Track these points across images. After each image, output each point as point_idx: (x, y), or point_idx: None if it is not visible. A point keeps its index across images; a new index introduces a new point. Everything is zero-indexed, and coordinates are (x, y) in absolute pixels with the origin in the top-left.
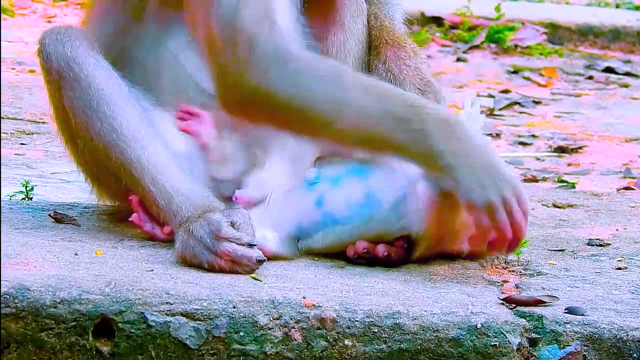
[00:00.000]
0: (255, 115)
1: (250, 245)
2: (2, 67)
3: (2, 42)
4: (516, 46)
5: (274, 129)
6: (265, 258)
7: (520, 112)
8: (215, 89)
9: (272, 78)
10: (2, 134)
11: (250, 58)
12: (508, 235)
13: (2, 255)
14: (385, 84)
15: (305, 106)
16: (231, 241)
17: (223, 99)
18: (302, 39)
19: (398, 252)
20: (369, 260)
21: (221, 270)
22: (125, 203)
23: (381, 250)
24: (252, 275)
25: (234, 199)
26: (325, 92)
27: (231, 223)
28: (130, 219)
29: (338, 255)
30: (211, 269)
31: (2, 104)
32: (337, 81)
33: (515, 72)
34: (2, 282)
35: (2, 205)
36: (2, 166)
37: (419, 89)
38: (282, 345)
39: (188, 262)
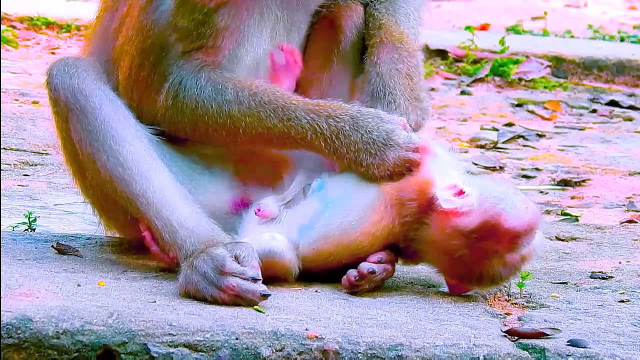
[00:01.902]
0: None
1: (255, 280)
2: (5, 99)
3: (6, 74)
4: (520, 79)
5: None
6: (270, 293)
7: (524, 146)
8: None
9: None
10: (5, 165)
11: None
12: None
13: (4, 286)
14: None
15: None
16: (235, 276)
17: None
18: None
19: (392, 271)
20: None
21: (225, 304)
22: (132, 235)
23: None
24: (255, 306)
25: (255, 211)
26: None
27: (235, 257)
28: (142, 233)
29: (341, 285)
30: (214, 303)
31: (5, 136)
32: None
33: (519, 105)
34: (4, 312)
35: (5, 236)
36: (5, 197)
37: (408, 100)
38: None
39: (192, 296)
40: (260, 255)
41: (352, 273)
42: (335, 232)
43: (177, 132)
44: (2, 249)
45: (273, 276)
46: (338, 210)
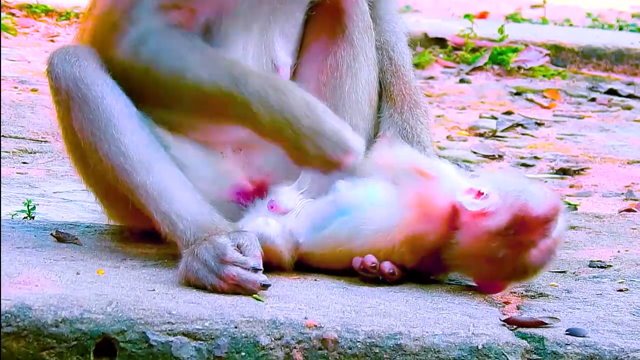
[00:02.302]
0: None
1: (256, 270)
2: (4, 86)
3: (5, 61)
4: (519, 68)
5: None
6: (270, 283)
7: (523, 134)
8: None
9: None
10: (4, 153)
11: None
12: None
13: (3, 274)
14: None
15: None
16: (236, 265)
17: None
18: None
19: (400, 271)
20: (370, 278)
21: (224, 293)
22: (134, 224)
23: (387, 267)
24: (254, 295)
25: (268, 206)
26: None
27: (237, 246)
28: None
29: (340, 274)
30: (214, 292)
31: (4, 123)
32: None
33: (518, 93)
34: (3, 301)
35: (4, 224)
36: (4, 185)
37: (426, 149)
38: None
39: (191, 284)
40: None
41: (369, 258)
42: (343, 239)
43: (129, 85)
44: (1, 237)
45: (266, 261)
46: (352, 218)
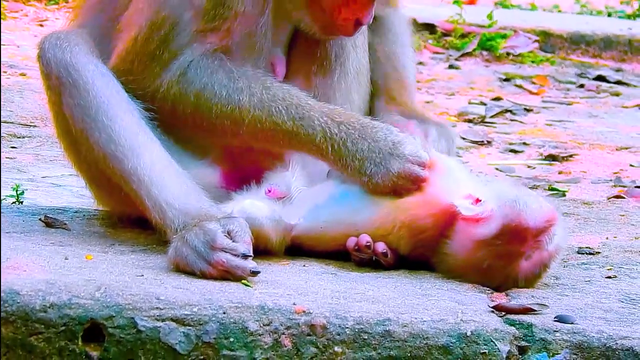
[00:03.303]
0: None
1: (245, 257)
2: None
3: None
4: (508, 54)
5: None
6: (260, 270)
7: (512, 120)
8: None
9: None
10: None
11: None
12: (411, 190)
13: None
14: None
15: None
16: (226, 251)
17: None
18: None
19: (389, 262)
20: (364, 260)
21: (213, 279)
22: (125, 210)
23: (381, 247)
24: (243, 281)
25: (266, 191)
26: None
27: (227, 232)
28: None
29: (330, 260)
30: (203, 277)
31: None
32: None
33: (507, 79)
34: None
35: None
36: None
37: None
38: (272, 352)
39: (181, 269)
40: None
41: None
42: (345, 218)
43: (174, 114)
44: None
45: (253, 245)
46: (354, 200)
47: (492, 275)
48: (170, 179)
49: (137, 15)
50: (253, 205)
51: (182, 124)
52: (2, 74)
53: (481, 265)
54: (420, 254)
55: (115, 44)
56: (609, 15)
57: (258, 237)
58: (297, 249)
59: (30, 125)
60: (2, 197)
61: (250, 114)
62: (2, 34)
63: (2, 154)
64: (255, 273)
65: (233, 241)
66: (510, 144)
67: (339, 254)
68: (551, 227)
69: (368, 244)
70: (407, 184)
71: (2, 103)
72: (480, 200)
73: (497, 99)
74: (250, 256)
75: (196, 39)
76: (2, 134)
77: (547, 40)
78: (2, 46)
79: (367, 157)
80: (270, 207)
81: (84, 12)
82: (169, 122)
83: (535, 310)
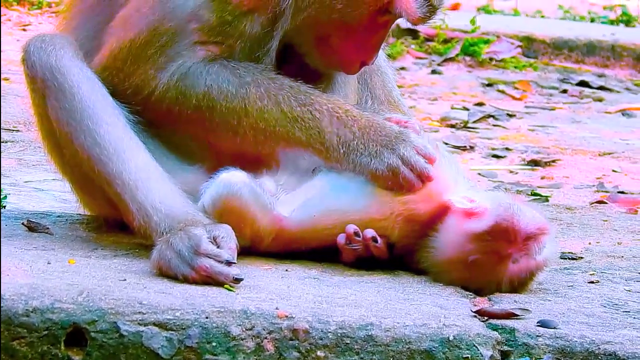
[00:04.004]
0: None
1: (229, 263)
2: None
3: None
4: (491, 59)
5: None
6: (243, 277)
7: (494, 125)
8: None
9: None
10: None
11: None
12: (417, 186)
13: None
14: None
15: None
16: (210, 257)
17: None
18: None
19: (381, 251)
20: (357, 252)
21: (195, 284)
22: (109, 214)
23: (370, 233)
24: (226, 285)
25: None
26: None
27: (213, 238)
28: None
29: (312, 264)
30: (185, 282)
31: None
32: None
33: (489, 85)
34: None
35: None
36: None
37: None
38: (255, 356)
39: (163, 273)
40: (216, 197)
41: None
42: (338, 208)
43: (169, 115)
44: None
45: (234, 224)
46: (348, 191)
47: (476, 273)
48: (156, 183)
49: (137, 17)
50: (232, 175)
51: (175, 125)
52: None
53: (467, 260)
54: (407, 244)
55: (107, 39)
56: (592, 20)
57: (237, 212)
58: (279, 253)
59: (13, 130)
60: None
61: (258, 105)
62: None
63: None
64: (238, 280)
65: (218, 247)
66: (493, 149)
67: (322, 256)
68: (542, 235)
69: (356, 231)
70: (411, 176)
71: None
72: (475, 201)
73: (480, 104)
74: (234, 263)
75: (197, 46)
76: None
77: (530, 46)
78: None
79: (374, 141)
80: (259, 185)
81: (72, 17)
82: (159, 124)
83: (518, 315)
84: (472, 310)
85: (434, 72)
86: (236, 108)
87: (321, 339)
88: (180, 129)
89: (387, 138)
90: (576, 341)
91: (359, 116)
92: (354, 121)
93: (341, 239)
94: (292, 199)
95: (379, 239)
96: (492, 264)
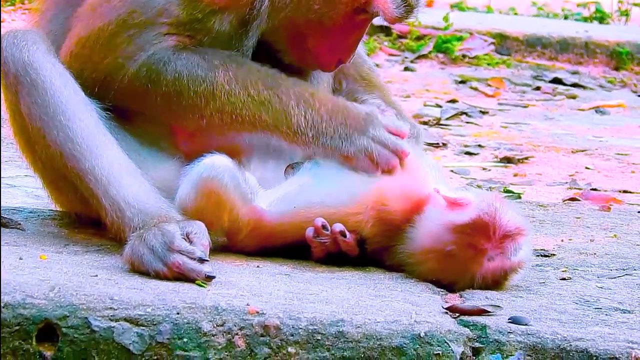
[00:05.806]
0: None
1: (202, 260)
2: None
3: None
4: (464, 56)
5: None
6: (215, 275)
7: (467, 122)
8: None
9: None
10: None
11: None
12: (394, 163)
13: None
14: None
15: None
16: (183, 254)
17: None
18: None
19: (350, 245)
20: (325, 246)
21: (166, 280)
22: (81, 210)
23: (338, 227)
24: (197, 281)
25: None
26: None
27: (186, 234)
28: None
29: (283, 260)
30: (157, 278)
31: None
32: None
33: (462, 82)
34: None
35: None
36: None
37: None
38: (226, 352)
39: (135, 269)
40: (197, 179)
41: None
42: (315, 202)
43: (138, 103)
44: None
45: (212, 209)
46: (326, 185)
47: (451, 265)
48: (128, 179)
49: (106, 7)
50: (213, 159)
51: (145, 113)
52: None
53: (444, 250)
54: (380, 242)
55: (74, 23)
56: (566, 18)
57: (223, 203)
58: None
59: None
60: None
61: (225, 89)
62: None
63: None
64: (210, 278)
65: (191, 244)
66: (466, 146)
67: (294, 253)
68: (519, 236)
69: (324, 224)
70: (385, 152)
71: None
72: (460, 197)
73: (453, 101)
74: (207, 260)
75: (167, 36)
76: None
77: (503, 43)
78: None
79: (342, 124)
80: (241, 174)
81: (48, 7)
82: (130, 115)
83: (489, 312)
84: (443, 307)
85: (406, 69)
86: (204, 92)
87: (292, 335)
88: (150, 118)
89: (356, 120)
90: (548, 338)
91: (325, 99)
92: (321, 104)
93: (310, 232)
94: (272, 193)
95: (347, 233)
96: (467, 257)
